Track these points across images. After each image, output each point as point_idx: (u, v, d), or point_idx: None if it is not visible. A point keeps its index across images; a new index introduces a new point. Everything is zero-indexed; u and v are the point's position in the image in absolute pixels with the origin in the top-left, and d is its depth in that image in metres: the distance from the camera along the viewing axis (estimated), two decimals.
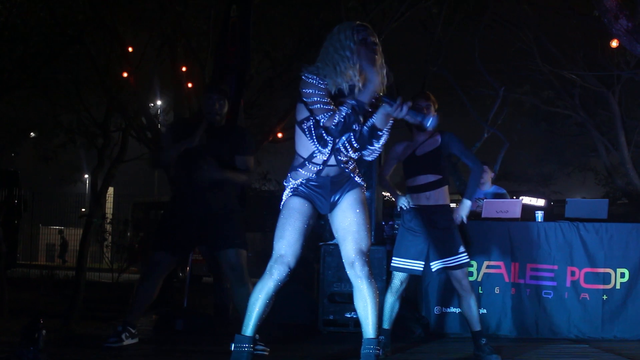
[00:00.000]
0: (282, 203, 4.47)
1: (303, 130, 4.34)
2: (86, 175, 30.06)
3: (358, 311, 4.29)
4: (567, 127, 16.13)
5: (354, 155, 4.46)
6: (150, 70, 12.08)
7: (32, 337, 4.64)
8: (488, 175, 8.48)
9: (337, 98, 4.29)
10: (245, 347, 4.18)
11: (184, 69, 11.22)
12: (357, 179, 4.49)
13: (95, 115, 11.40)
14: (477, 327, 5.66)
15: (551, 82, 14.32)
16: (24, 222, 19.22)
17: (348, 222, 4.38)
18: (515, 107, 15.84)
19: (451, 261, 5.68)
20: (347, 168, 4.45)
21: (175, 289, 10.05)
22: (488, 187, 8.48)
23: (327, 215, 4.54)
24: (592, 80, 13.25)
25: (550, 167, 23.71)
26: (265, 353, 5.52)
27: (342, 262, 7.02)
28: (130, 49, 11.02)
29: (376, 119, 4.27)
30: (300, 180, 4.44)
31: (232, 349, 4.22)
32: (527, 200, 15.55)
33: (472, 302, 5.69)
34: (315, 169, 4.39)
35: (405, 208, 5.83)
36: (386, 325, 5.83)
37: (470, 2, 12.44)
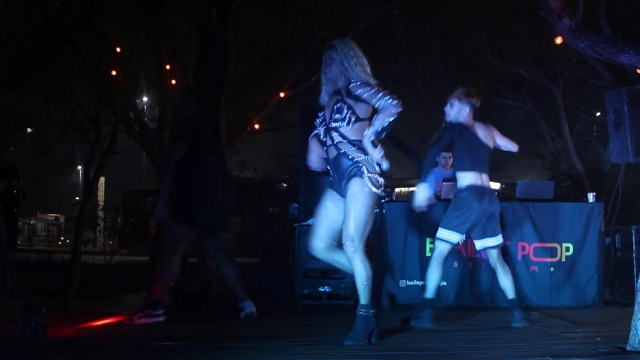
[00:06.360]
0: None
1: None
2: (79, 167, 29.75)
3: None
4: (516, 117, 16.21)
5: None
6: (137, 68, 11.98)
7: (33, 313, 4.61)
8: (450, 160, 8.51)
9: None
10: (364, 311, 4.53)
11: (168, 67, 11.13)
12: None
13: (87, 111, 11.29)
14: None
15: (502, 77, 14.41)
16: (22, 211, 19.01)
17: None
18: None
19: None
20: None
21: None
22: (449, 169, 8.51)
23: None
24: (539, 74, 13.33)
25: (502, 153, 23.84)
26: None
27: None
28: (118, 49, 10.92)
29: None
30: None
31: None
32: None
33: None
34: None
35: None
36: None
37: (428, 4, 12.48)
